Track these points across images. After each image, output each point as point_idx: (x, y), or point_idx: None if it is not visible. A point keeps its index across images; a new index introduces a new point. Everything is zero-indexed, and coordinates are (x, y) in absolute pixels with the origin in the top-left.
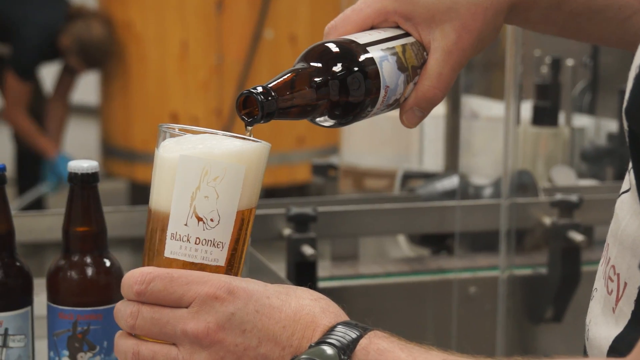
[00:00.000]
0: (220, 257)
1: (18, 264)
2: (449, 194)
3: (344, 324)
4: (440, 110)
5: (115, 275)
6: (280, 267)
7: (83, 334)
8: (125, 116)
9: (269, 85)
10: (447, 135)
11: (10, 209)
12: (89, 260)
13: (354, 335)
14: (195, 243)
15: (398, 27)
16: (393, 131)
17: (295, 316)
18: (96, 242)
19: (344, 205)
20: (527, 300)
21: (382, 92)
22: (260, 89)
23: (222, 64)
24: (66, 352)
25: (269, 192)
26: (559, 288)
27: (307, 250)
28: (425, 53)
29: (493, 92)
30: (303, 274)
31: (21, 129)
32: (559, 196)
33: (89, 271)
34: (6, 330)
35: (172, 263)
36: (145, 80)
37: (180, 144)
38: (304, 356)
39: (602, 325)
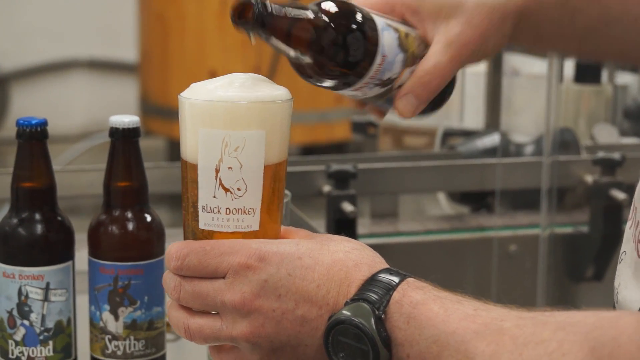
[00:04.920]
0: (253, 222)
1: (59, 218)
2: (490, 152)
3: (377, 277)
4: (481, 67)
5: (155, 230)
6: (320, 224)
7: (124, 289)
8: (163, 74)
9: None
10: (488, 92)
11: (52, 164)
12: (130, 215)
13: (388, 288)
14: (226, 213)
15: (404, 22)
16: None
17: (328, 274)
18: (137, 197)
19: (383, 162)
20: (568, 259)
21: (378, 60)
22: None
23: None
24: (107, 307)
25: (308, 150)
26: (599, 247)
27: (347, 207)
28: (426, 48)
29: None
30: (343, 231)
31: None
32: (601, 154)
33: (130, 226)
34: (47, 284)
35: (207, 234)
36: (184, 38)
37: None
38: (340, 315)
39: (633, 288)
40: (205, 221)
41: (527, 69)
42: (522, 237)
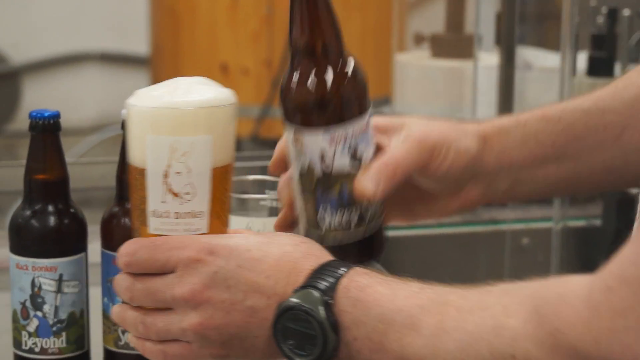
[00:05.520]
0: (202, 225)
1: (72, 210)
2: None
3: (326, 265)
4: (493, 60)
5: None
6: None
7: None
8: (175, 67)
9: None
10: (501, 85)
11: (65, 157)
12: None
13: (336, 276)
14: (176, 217)
15: None
16: (445, 82)
17: (277, 265)
18: None
19: None
20: (581, 252)
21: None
22: None
23: (272, 14)
24: (120, 299)
25: None
26: (612, 240)
27: None
28: None
29: (547, 42)
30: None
31: None
32: None
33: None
34: (61, 276)
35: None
36: (195, 31)
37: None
38: (289, 302)
39: None
40: (154, 226)
41: (539, 62)
42: (535, 230)
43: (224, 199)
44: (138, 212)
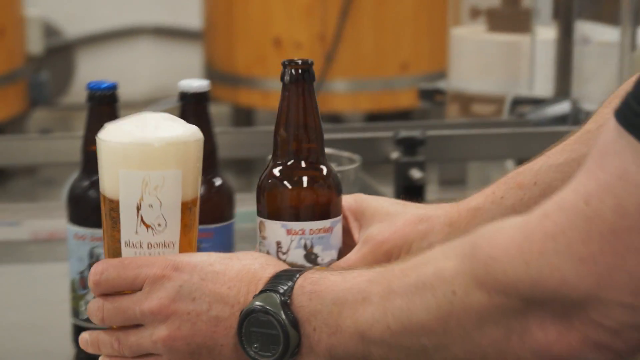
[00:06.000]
0: (173, 253)
1: None
2: (560, 120)
3: (282, 272)
4: (550, 34)
5: (226, 194)
6: (388, 191)
7: None
8: (228, 41)
9: None
10: (558, 60)
11: None
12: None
13: (292, 278)
14: (148, 247)
15: None
16: (502, 56)
17: (238, 276)
18: (207, 162)
19: (452, 129)
20: None
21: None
22: None
23: None
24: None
25: (372, 118)
26: None
27: (416, 173)
28: None
29: (605, 17)
30: (411, 197)
31: None
32: None
33: (201, 189)
34: None
35: None
36: (248, 5)
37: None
38: (250, 306)
39: None
40: (127, 255)
41: (598, 36)
42: None
43: (193, 228)
44: (110, 241)
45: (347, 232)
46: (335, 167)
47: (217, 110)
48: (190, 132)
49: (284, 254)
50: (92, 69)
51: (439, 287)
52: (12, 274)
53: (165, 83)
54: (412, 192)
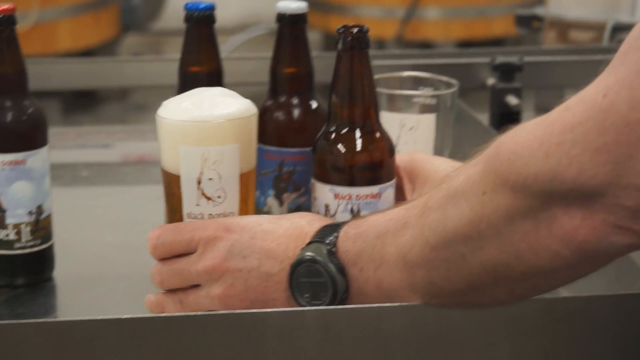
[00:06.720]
0: None
1: None
2: None
3: (328, 225)
4: None
5: (321, 116)
6: (484, 118)
7: (289, 175)
8: None
9: None
10: None
11: (219, 49)
12: (295, 101)
13: (337, 228)
14: (209, 219)
15: None
16: None
17: (286, 233)
18: (303, 84)
19: (549, 55)
20: None
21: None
22: None
23: None
24: (272, 192)
25: (463, 45)
26: None
27: (512, 100)
28: None
29: None
30: (507, 124)
31: None
32: None
33: (296, 112)
34: None
35: None
36: None
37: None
38: (298, 258)
39: None
40: None
41: None
42: None
43: (250, 198)
44: (173, 213)
45: (400, 192)
46: (431, 92)
47: (309, 37)
48: (245, 107)
49: (331, 216)
50: None
51: (470, 192)
52: (107, 195)
53: (256, 9)
54: (507, 119)
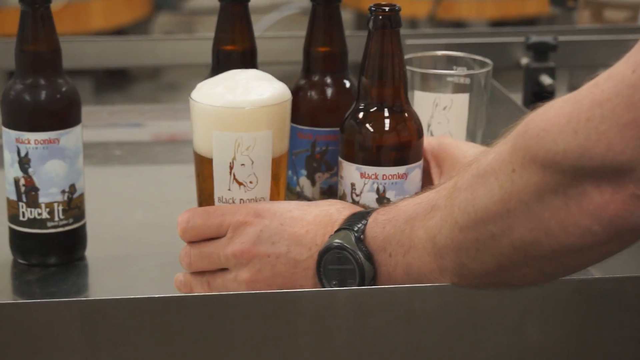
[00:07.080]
0: None
1: None
2: None
3: (357, 212)
4: None
5: (353, 96)
6: (517, 97)
7: (321, 155)
8: None
9: None
10: None
11: (253, 28)
12: (329, 80)
13: (365, 216)
14: (240, 204)
15: None
16: None
17: (315, 220)
18: (336, 63)
19: (584, 35)
20: None
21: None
22: None
23: None
24: (304, 172)
25: (498, 24)
26: None
27: (546, 80)
28: None
29: None
30: (540, 103)
31: None
32: None
33: (329, 92)
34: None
35: None
36: None
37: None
38: (326, 245)
39: None
40: None
41: None
42: None
43: (282, 181)
44: (205, 197)
45: (427, 175)
46: (465, 71)
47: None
48: (279, 92)
49: (357, 195)
50: None
51: (499, 169)
52: (138, 174)
53: None
54: (541, 98)
